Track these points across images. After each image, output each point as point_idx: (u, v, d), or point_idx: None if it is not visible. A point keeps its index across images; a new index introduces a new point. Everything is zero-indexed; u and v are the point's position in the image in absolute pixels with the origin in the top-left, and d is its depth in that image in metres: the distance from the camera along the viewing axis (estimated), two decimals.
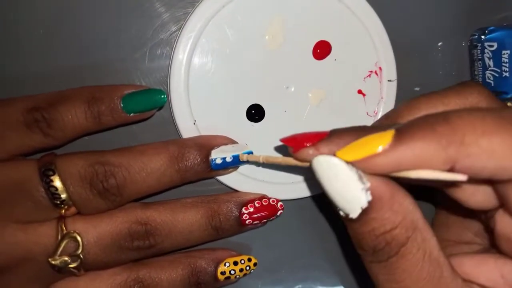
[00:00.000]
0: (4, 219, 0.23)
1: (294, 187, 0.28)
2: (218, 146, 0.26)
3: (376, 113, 0.29)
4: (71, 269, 0.23)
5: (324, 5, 0.27)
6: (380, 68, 0.28)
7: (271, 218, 0.27)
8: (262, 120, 0.28)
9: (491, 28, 0.28)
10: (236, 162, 0.26)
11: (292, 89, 0.28)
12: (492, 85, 0.28)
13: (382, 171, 0.17)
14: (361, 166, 0.17)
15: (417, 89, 0.30)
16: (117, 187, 0.23)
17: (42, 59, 0.26)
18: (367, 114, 0.29)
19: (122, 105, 0.24)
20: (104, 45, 0.27)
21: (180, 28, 0.27)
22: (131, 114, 0.24)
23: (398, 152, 0.17)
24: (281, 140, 0.20)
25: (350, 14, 0.27)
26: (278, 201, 0.27)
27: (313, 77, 0.28)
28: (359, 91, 0.28)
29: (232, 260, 0.27)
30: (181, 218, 0.25)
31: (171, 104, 0.27)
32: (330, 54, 0.28)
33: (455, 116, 0.17)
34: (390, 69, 0.28)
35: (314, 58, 0.28)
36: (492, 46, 0.28)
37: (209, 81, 0.27)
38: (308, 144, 0.19)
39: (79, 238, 0.23)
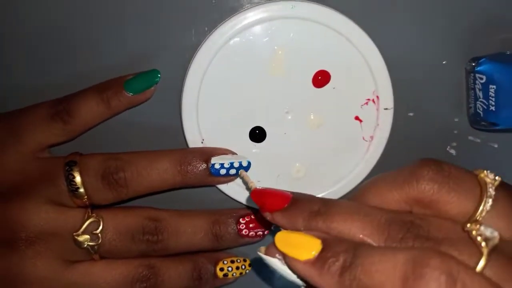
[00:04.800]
0: (40, 199, 0.27)
1: None
2: (219, 155, 0.29)
3: (372, 138, 0.31)
4: (90, 246, 0.27)
5: (324, 37, 0.29)
6: (377, 97, 0.30)
7: (266, 232, 0.30)
8: (264, 141, 0.30)
9: (482, 59, 0.29)
10: (233, 169, 0.29)
11: (293, 113, 0.30)
12: (481, 115, 0.29)
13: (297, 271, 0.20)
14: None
15: (411, 114, 0.32)
16: (125, 180, 0.27)
17: (54, 67, 0.30)
18: (363, 139, 0.31)
19: (125, 87, 0.28)
20: (123, 67, 0.30)
21: (191, 57, 0.29)
22: (134, 94, 0.29)
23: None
24: (251, 194, 0.23)
25: (349, 45, 0.29)
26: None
27: (313, 103, 0.30)
28: (356, 117, 0.30)
29: (229, 258, 0.31)
30: (187, 221, 0.29)
31: (182, 125, 0.30)
32: (329, 83, 0.30)
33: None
34: (387, 98, 0.30)
35: (313, 86, 0.30)
36: (482, 78, 0.29)
37: (216, 105, 0.30)
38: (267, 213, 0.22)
39: (101, 221, 0.28)
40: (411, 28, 0.30)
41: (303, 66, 0.29)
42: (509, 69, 0.28)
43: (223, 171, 0.29)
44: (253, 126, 0.30)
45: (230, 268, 0.31)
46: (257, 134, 0.30)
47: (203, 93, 0.29)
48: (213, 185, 0.30)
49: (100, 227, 0.27)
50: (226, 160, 0.29)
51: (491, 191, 0.20)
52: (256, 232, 0.30)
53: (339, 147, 0.31)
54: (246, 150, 0.30)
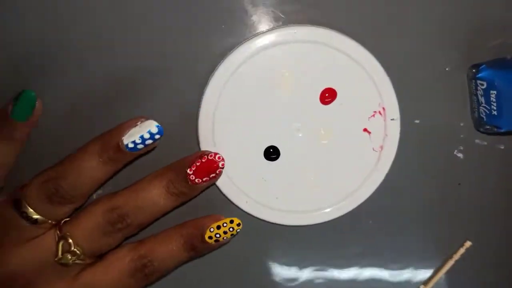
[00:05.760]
0: (7, 247, 0.29)
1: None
2: (126, 130, 0.29)
3: (381, 148, 0.32)
4: (76, 261, 0.29)
5: (327, 57, 0.31)
6: (384, 108, 0.31)
7: (217, 171, 0.30)
8: (278, 159, 0.32)
9: (482, 66, 0.30)
10: (149, 140, 0.29)
11: (304, 131, 0.32)
12: (485, 120, 0.31)
13: None
14: None
15: (417, 121, 0.33)
16: (65, 191, 0.29)
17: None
18: (373, 149, 0.32)
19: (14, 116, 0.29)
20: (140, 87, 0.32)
21: (207, 81, 0.31)
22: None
23: None
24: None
25: (352, 62, 0.31)
26: (215, 154, 0.29)
27: (322, 120, 0.32)
28: (365, 130, 0.32)
29: (215, 225, 0.30)
30: (143, 196, 0.30)
31: (199, 146, 0.32)
32: (336, 99, 0.31)
33: None
34: (393, 109, 0.31)
35: (321, 104, 0.31)
36: (483, 84, 0.30)
37: (231, 128, 0.31)
38: None
39: (69, 239, 0.29)
40: (411, 38, 0.32)
41: (310, 86, 0.31)
42: (508, 75, 0.29)
43: (140, 146, 0.29)
44: (267, 146, 0.32)
45: (218, 235, 0.30)
46: (272, 153, 0.32)
47: (218, 118, 0.31)
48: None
49: (72, 246, 0.29)
50: (135, 135, 0.28)
51: None
52: (209, 176, 0.30)
53: (350, 159, 0.32)
54: (262, 169, 0.32)
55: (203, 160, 0.29)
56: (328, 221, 0.33)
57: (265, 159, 0.32)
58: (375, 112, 0.32)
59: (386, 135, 0.32)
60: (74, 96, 0.32)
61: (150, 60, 0.31)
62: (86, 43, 0.31)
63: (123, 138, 0.28)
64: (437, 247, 0.35)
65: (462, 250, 0.35)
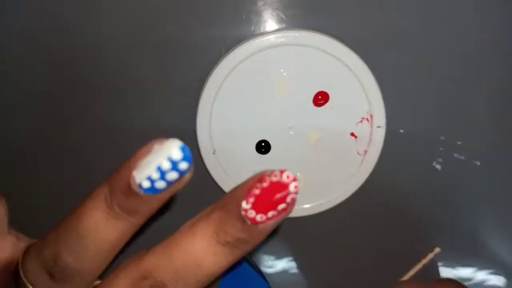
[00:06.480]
0: None
1: None
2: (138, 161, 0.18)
3: (365, 152, 0.34)
4: None
5: (324, 62, 0.33)
6: (371, 116, 0.34)
7: (288, 200, 0.17)
8: (268, 153, 0.34)
9: None
10: (171, 173, 0.17)
11: (295, 129, 0.34)
12: None
13: None
14: None
15: (401, 131, 0.35)
16: (65, 266, 0.19)
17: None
18: (358, 153, 0.34)
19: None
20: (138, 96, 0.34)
21: (205, 80, 0.33)
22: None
23: None
24: None
25: (347, 69, 0.33)
26: (282, 172, 0.17)
27: (313, 120, 0.34)
28: (352, 134, 0.34)
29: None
30: (182, 252, 0.19)
31: (197, 137, 0.33)
32: (328, 102, 0.33)
33: None
34: (379, 117, 0.34)
35: (314, 105, 0.33)
36: None
37: (227, 120, 0.33)
38: None
39: None
40: (403, 53, 0.34)
41: (305, 87, 0.33)
42: None
43: (160, 185, 0.17)
44: (259, 140, 0.34)
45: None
46: (263, 147, 0.34)
47: (216, 109, 0.33)
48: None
49: None
50: (150, 166, 0.17)
51: None
52: (277, 209, 0.17)
53: (336, 160, 0.34)
54: (253, 161, 0.34)
55: (265, 185, 0.17)
56: (307, 216, 0.35)
57: (256, 152, 0.34)
58: (363, 118, 0.34)
59: (371, 140, 0.34)
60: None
61: (152, 52, 0.33)
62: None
63: (133, 172, 0.18)
64: (408, 250, 0.37)
65: (431, 255, 0.37)
